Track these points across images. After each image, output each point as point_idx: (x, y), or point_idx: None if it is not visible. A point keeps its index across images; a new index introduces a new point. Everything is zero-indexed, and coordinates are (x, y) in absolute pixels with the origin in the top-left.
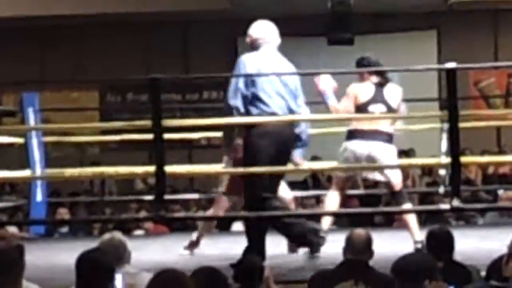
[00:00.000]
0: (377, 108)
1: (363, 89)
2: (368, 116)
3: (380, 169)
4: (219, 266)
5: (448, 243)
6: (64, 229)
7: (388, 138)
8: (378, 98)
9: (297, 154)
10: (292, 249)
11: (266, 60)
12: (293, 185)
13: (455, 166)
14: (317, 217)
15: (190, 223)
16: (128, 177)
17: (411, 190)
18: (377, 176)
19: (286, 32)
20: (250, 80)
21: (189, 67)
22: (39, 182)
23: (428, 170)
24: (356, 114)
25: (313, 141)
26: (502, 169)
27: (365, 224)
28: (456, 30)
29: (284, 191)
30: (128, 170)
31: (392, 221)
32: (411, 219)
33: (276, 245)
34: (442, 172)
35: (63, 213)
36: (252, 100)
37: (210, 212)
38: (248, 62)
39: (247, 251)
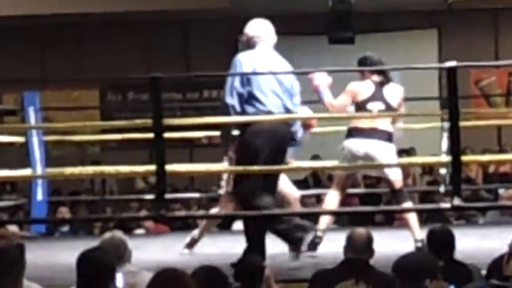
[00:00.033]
0: (375, 106)
1: (363, 87)
2: (366, 115)
3: (380, 167)
4: (219, 265)
5: (448, 242)
6: (65, 228)
7: (387, 136)
8: (377, 96)
9: (288, 153)
10: (294, 248)
11: (262, 59)
12: (293, 184)
13: (456, 165)
14: (316, 216)
15: (191, 222)
16: (129, 176)
17: (411, 189)
18: (376, 172)
19: (286, 31)
20: (246, 78)
21: (189, 66)
22: (39, 181)
23: (429, 169)
24: (354, 112)
25: (313, 140)
26: (503, 168)
27: (365, 223)
28: (457, 29)
29: (291, 190)
30: (128, 169)
31: (392, 220)
32: (412, 218)
33: (277, 244)
34: (442, 171)
35: (64, 212)
36: (248, 99)
37: (214, 211)
38: (243, 61)
39: (247, 250)
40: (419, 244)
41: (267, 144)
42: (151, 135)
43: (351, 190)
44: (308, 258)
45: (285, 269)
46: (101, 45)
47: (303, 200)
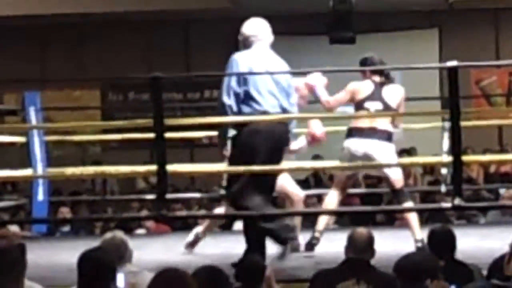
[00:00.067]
0: (373, 106)
1: (362, 87)
2: (363, 114)
3: (380, 167)
4: (220, 265)
5: (449, 242)
6: (66, 228)
7: (387, 136)
8: (375, 96)
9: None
10: (294, 248)
11: (258, 58)
12: None
13: (457, 165)
14: (317, 216)
15: (192, 222)
16: (130, 176)
17: (412, 188)
18: (376, 172)
19: (287, 31)
20: (243, 78)
21: (190, 66)
22: (40, 181)
23: (430, 169)
24: (353, 111)
25: None
26: (504, 168)
27: (366, 222)
28: (458, 29)
29: (295, 189)
30: (129, 169)
31: (394, 220)
32: (412, 218)
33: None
34: (443, 170)
35: (65, 212)
36: (244, 99)
37: (218, 211)
38: (240, 61)
39: (248, 250)
40: (419, 244)
41: (263, 144)
42: (152, 135)
43: (352, 190)
44: (309, 258)
45: (286, 269)
46: (102, 45)
47: (304, 200)
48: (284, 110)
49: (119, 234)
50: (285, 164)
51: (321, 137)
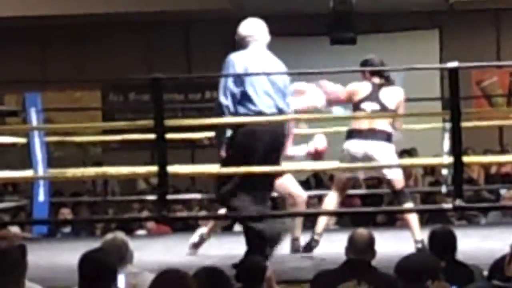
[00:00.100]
0: (369, 106)
1: (361, 88)
2: (362, 114)
3: (381, 168)
4: (221, 266)
5: (450, 242)
6: (67, 229)
7: (386, 136)
8: (372, 97)
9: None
10: (295, 248)
11: (254, 58)
12: None
13: (458, 166)
14: (317, 217)
15: (193, 223)
16: (131, 177)
17: (413, 189)
18: (377, 173)
19: (287, 32)
20: (239, 79)
21: (190, 67)
22: (41, 182)
23: (431, 170)
24: (352, 112)
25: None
26: (505, 169)
27: (367, 223)
28: (458, 30)
29: (298, 190)
30: (130, 170)
31: (394, 221)
32: (413, 219)
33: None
34: (444, 171)
35: (66, 213)
36: (240, 99)
37: (222, 211)
38: (236, 61)
39: (248, 251)
40: (419, 245)
41: (258, 145)
42: (152, 136)
43: (353, 191)
44: (310, 259)
45: (287, 270)
46: (102, 46)
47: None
48: (280, 111)
49: (120, 235)
50: (285, 165)
51: (323, 152)
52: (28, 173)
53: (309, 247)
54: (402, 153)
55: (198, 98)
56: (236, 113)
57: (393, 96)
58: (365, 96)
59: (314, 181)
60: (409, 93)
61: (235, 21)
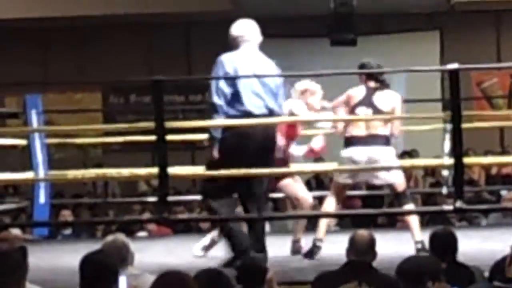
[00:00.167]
0: (363, 111)
1: (356, 92)
2: (357, 118)
3: (383, 170)
4: (221, 268)
5: (451, 244)
6: (67, 231)
7: (385, 140)
8: (366, 101)
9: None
10: (295, 250)
11: (245, 59)
12: None
13: (458, 167)
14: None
15: (193, 224)
16: (131, 178)
17: (414, 190)
18: (379, 181)
19: (288, 33)
20: (230, 80)
21: (191, 68)
22: (42, 184)
23: (431, 171)
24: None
25: None
26: (505, 170)
27: (368, 225)
28: (459, 31)
29: (305, 194)
30: (131, 171)
31: (395, 222)
32: (413, 220)
33: (279, 247)
34: (445, 172)
35: (66, 215)
36: (231, 100)
37: None
38: (226, 61)
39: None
40: (419, 246)
41: (246, 146)
42: (153, 137)
43: (354, 193)
44: (311, 260)
45: (288, 271)
46: (103, 47)
47: None
48: (271, 111)
49: (121, 236)
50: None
51: (319, 152)
52: (28, 175)
53: (311, 253)
54: (403, 155)
55: (199, 100)
56: (228, 114)
57: (387, 99)
58: (359, 101)
59: (315, 183)
60: (410, 94)
61: None
